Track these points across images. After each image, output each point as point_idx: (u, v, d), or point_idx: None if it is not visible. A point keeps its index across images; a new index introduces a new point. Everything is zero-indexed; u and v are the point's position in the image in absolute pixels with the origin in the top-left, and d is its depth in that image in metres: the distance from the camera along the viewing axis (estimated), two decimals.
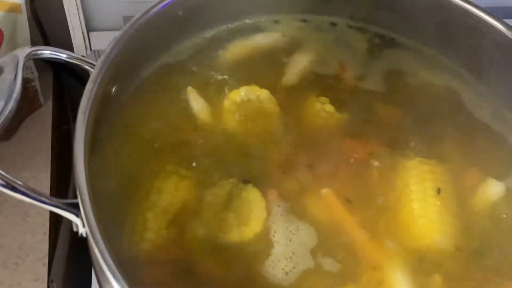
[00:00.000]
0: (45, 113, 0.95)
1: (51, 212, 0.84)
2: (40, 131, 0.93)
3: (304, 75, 0.78)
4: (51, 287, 0.78)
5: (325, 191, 0.66)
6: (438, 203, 0.65)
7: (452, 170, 0.69)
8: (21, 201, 0.82)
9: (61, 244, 0.82)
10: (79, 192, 0.48)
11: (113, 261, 0.45)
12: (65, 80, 0.99)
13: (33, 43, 0.92)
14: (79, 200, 0.48)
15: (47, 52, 0.59)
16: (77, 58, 0.61)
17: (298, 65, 0.79)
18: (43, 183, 0.87)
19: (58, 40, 0.90)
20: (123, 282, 0.44)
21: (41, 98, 0.93)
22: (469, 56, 0.79)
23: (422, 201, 0.64)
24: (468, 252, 0.63)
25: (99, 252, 0.45)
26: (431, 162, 0.68)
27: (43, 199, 0.51)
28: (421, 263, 0.62)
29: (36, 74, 0.89)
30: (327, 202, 0.66)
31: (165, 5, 0.66)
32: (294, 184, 0.67)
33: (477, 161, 0.71)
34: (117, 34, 0.61)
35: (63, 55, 0.60)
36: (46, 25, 0.90)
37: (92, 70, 0.59)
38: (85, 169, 0.50)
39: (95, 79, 0.56)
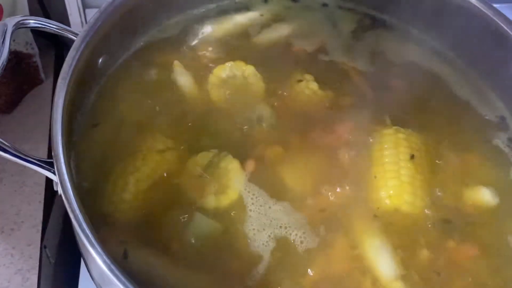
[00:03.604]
0: (46, 89, 0.98)
1: (47, 182, 0.88)
2: (40, 106, 0.96)
3: (278, 41, 0.80)
4: (44, 252, 0.81)
5: None
6: (411, 166, 0.66)
7: (427, 141, 0.70)
8: (20, 171, 0.88)
9: (55, 213, 0.85)
10: (54, 150, 0.51)
11: (85, 221, 0.48)
12: None
13: None
14: (53, 159, 0.51)
15: (33, 22, 0.61)
16: (64, 29, 0.64)
17: (274, 31, 0.81)
18: (41, 154, 0.90)
19: (59, 17, 0.93)
20: (93, 241, 0.46)
21: (42, 75, 0.97)
22: (457, 39, 0.80)
23: (394, 164, 0.66)
24: (436, 219, 0.65)
25: (70, 211, 0.48)
26: (407, 131, 0.70)
27: (19, 154, 0.54)
28: (389, 226, 0.64)
29: (36, 50, 0.92)
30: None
31: None
32: (273, 157, 0.69)
33: (452, 134, 0.73)
34: (102, 5, 0.63)
35: (49, 25, 0.63)
36: (47, 2, 0.93)
37: None
38: (61, 130, 0.53)
39: (78, 47, 0.59)
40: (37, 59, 0.94)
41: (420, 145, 0.69)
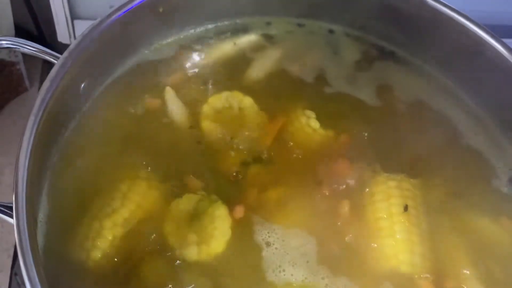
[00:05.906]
0: (30, 98, 0.92)
1: None
2: (22, 116, 0.90)
3: (275, 72, 0.74)
4: (14, 280, 0.76)
5: None
6: (405, 220, 0.60)
7: (425, 186, 0.64)
8: None
9: None
10: (15, 192, 0.45)
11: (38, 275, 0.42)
12: None
13: (23, 28, 0.89)
14: (14, 208, 0.45)
15: (4, 43, 0.55)
16: (42, 51, 0.57)
17: (267, 60, 0.75)
18: None
19: (48, 26, 0.87)
20: None
21: (27, 82, 0.91)
22: (473, 81, 0.73)
23: (387, 219, 0.60)
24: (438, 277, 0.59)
25: (24, 266, 0.42)
26: (398, 177, 0.64)
27: None
28: None
29: (20, 57, 0.86)
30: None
31: (141, 1, 0.62)
32: (266, 204, 0.63)
33: (457, 183, 0.67)
34: (85, 29, 0.57)
35: (24, 46, 0.56)
36: (37, 11, 0.87)
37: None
38: (26, 177, 0.47)
39: (54, 78, 0.53)
40: (21, 66, 0.88)
41: (414, 191, 0.63)
